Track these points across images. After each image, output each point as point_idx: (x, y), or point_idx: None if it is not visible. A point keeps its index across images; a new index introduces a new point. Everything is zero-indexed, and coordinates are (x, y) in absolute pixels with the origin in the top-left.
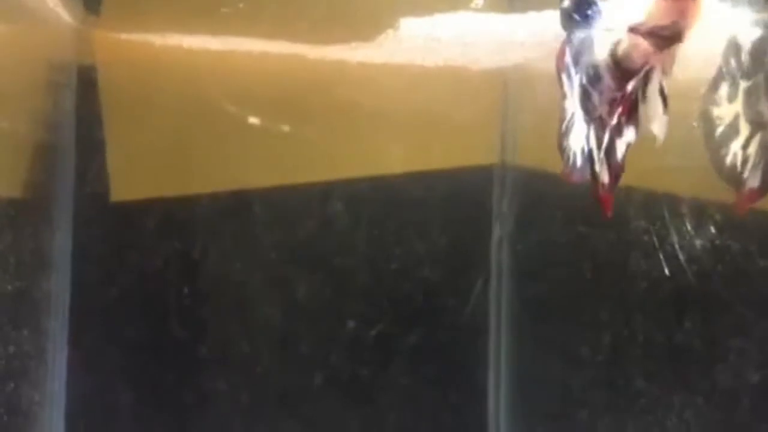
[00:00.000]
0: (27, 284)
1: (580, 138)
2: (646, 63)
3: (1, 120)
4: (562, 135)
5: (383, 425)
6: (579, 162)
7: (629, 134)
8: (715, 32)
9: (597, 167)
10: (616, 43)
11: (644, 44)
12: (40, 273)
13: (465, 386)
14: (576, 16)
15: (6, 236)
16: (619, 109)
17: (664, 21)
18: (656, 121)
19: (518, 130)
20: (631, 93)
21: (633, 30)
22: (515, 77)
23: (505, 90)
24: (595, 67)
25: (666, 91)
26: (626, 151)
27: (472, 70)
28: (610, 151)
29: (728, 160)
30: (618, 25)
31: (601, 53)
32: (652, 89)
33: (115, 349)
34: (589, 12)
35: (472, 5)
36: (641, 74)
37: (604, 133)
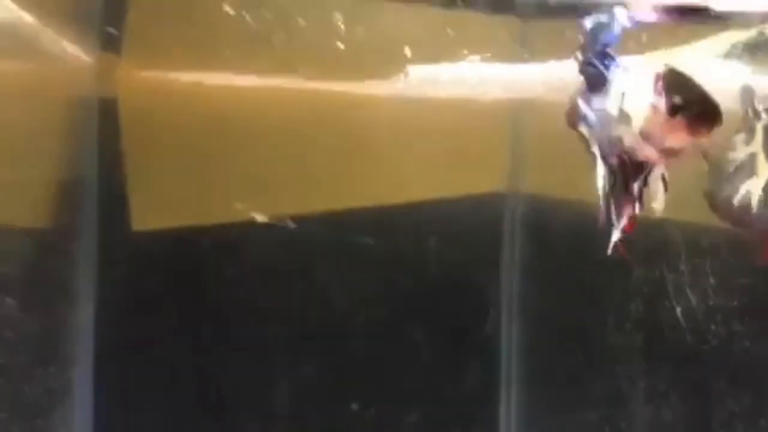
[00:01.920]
0: (53, 320)
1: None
2: (650, 164)
3: (25, 158)
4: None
5: None
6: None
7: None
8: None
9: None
10: (624, 135)
11: (652, 152)
12: (66, 307)
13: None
14: (594, 67)
15: (32, 272)
16: (628, 211)
17: (678, 143)
18: (657, 200)
19: (528, 157)
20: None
21: (645, 137)
22: (524, 106)
23: (514, 118)
24: (607, 116)
25: (667, 177)
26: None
27: (482, 100)
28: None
29: (737, 200)
30: (634, 100)
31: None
32: (655, 178)
33: (141, 381)
34: (607, 65)
35: (479, 57)
36: (643, 175)
37: (615, 179)
